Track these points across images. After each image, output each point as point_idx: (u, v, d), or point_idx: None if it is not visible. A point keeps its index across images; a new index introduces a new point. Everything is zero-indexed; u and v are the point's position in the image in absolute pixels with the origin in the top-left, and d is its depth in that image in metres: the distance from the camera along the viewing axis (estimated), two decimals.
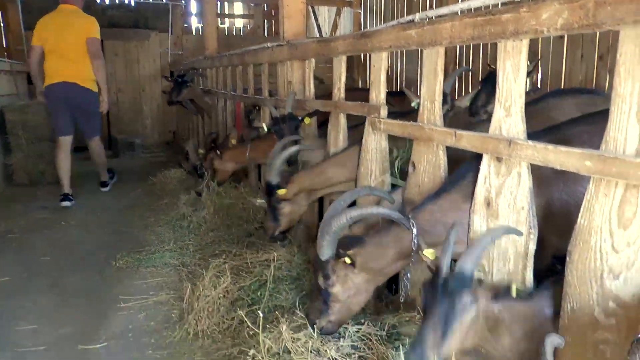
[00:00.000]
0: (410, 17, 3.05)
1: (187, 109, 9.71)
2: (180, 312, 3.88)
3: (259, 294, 3.76)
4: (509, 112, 2.38)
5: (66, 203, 7.39)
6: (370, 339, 2.84)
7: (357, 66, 12.37)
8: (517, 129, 2.35)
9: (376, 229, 2.93)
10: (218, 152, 6.27)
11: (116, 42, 12.55)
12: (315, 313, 2.95)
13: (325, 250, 2.80)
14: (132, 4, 13.40)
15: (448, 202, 2.72)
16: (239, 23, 16.38)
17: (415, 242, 2.64)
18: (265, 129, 5.31)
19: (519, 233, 2.34)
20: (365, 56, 11.12)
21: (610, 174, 1.85)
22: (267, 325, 3.15)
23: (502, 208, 2.42)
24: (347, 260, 2.75)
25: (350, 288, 2.83)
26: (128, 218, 6.67)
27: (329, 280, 2.80)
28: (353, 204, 3.08)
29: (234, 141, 6.48)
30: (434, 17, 2.88)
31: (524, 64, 2.32)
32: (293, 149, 4.22)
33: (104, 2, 13.18)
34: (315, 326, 2.90)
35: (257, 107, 6.91)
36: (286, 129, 4.55)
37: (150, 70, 12.86)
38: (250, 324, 3.15)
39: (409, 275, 2.83)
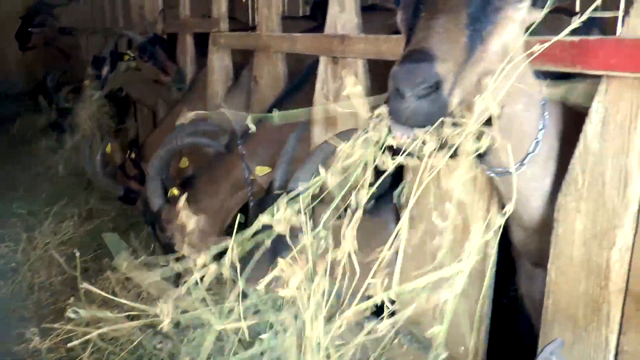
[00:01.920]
0: None
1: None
2: (17, 265, 3.43)
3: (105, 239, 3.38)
4: (343, 7, 2.10)
5: None
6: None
7: None
8: (351, 24, 2.08)
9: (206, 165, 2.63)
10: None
11: None
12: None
13: (155, 198, 2.46)
14: None
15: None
16: None
17: (246, 168, 2.36)
18: (132, 56, 4.80)
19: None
20: None
21: None
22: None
23: (342, 114, 2.16)
24: (175, 191, 2.42)
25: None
26: None
27: (167, 231, 2.45)
28: None
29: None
30: None
31: None
32: None
33: None
34: None
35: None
36: (159, 52, 3.98)
37: (10, 7, 11.46)
38: (72, 271, 2.76)
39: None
